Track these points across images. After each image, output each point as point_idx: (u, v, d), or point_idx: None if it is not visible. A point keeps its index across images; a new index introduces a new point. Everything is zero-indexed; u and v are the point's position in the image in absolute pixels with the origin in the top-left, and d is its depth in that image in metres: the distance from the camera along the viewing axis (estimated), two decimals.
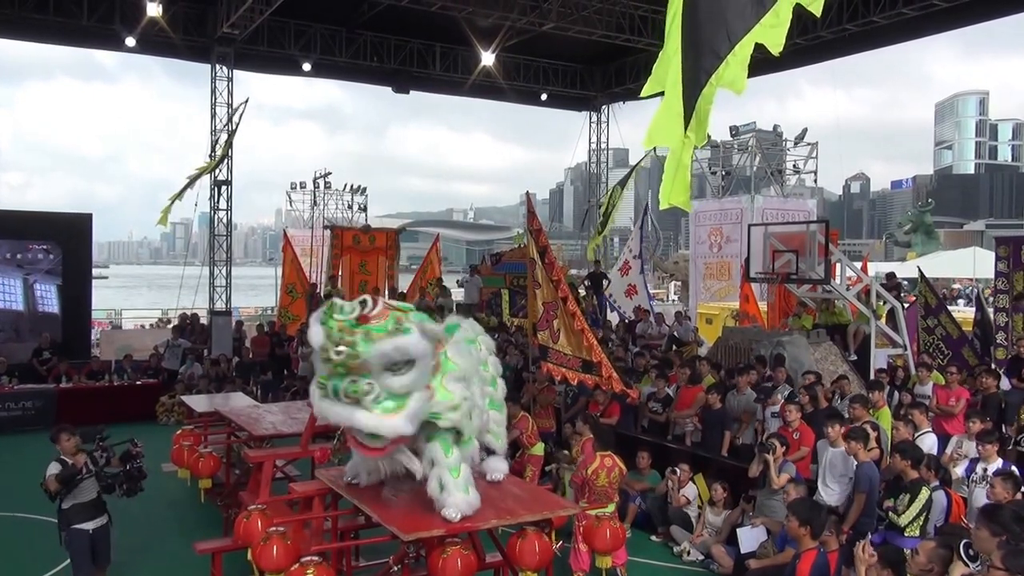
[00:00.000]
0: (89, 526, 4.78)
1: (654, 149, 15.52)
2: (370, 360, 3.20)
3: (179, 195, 13.14)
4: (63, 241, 12.80)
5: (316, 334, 3.28)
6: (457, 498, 3.55)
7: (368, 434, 3.35)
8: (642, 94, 3.19)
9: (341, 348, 3.19)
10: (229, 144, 13.86)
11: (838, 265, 9.30)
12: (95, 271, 16.78)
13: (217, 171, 14.41)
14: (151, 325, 18.42)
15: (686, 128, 2.98)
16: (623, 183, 14.87)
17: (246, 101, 13.75)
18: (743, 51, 2.95)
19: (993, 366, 8.48)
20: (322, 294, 14.40)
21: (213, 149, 14.47)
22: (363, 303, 3.30)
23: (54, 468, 4.72)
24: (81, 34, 13.68)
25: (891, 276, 11.72)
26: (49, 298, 12.80)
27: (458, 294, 15.32)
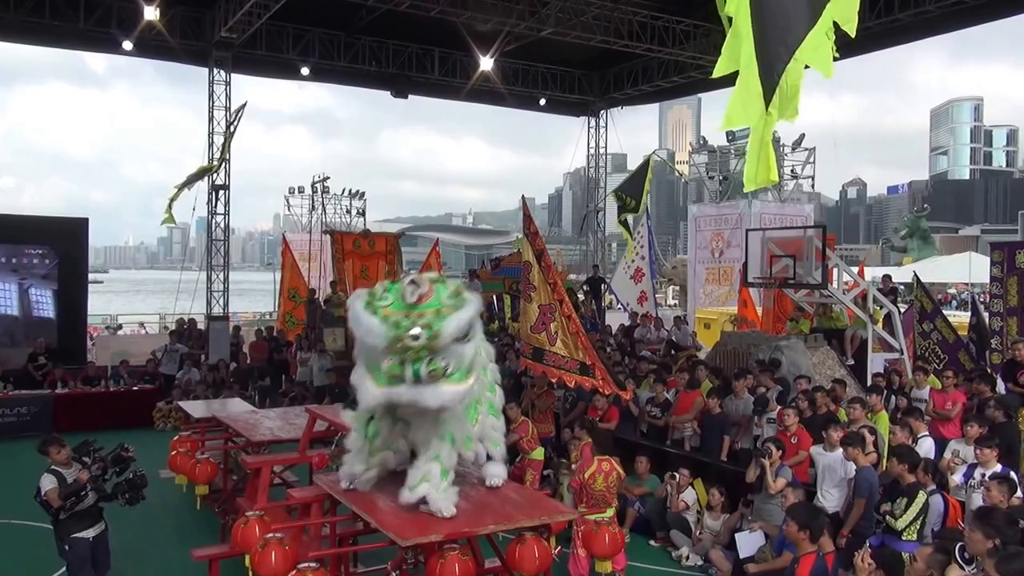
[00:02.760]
0: (89, 534, 4.76)
1: (652, 153, 15.61)
2: (446, 335, 3.19)
3: (177, 195, 13.17)
4: (59, 245, 12.75)
5: (377, 324, 3.20)
6: (446, 498, 3.58)
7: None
8: (715, 74, 3.21)
9: (418, 331, 3.15)
10: (227, 147, 13.84)
11: (835, 270, 9.33)
12: (91, 276, 16.72)
13: (214, 175, 14.40)
14: (139, 326, 18.33)
15: (767, 105, 2.99)
16: (638, 195, 14.44)
17: (244, 104, 13.76)
18: (817, 37, 2.99)
19: (988, 370, 8.51)
20: (321, 300, 14.40)
21: (212, 152, 14.45)
22: (414, 283, 3.28)
23: (50, 482, 4.64)
24: (78, 37, 13.67)
25: (887, 278, 11.75)
26: (45, 303, 12.75)
27: None
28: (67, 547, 4.73)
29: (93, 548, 4.79)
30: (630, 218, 14.53)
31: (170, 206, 13.17)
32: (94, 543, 4.79)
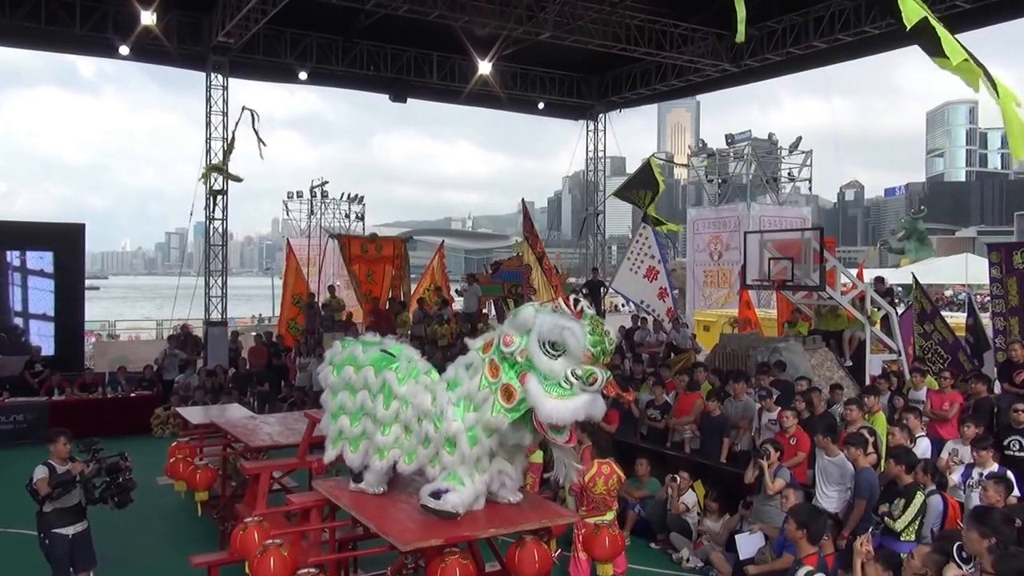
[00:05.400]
0: (69, 531, 4.90)
1: (652, 156, 15.61)
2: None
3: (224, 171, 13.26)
4: (55, 251, 12.71)
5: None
6: (462, 495, 3.55)
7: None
8: (952, 62, 3.37)
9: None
10: (228, 155, 13.76)
11: (835, 271, 9.36)
12: (88, 282, 16.69)
13: (213, 180, 14.37)
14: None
15: (995, 90, 3.25)
16: (654, 188, 14.31)
17: (243, 109, 13.68)
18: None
19: (992, 370, 8.52)
20: (320, 304, 14.38)
21: (210, 158, 14.43)
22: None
23: (42, 472, 4.82)
24: (74, 42, 13.65)
25: (880, 280, 11.74)
26: (42, 309, 12.71)
27: (457, 303, 15.29)
28: (47, 541, 4.87)
29: (73, 545, 4.92)
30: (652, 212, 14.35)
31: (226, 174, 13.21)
32: (74, 540, 4.92)
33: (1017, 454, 5.83)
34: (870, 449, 5.61)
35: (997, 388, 7.67)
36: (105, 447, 5.18)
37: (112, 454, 5.12)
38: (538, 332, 3.37)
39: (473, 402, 3.54)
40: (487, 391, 3.48)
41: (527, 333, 3.42)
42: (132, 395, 11.73)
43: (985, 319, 10.46)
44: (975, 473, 5.32)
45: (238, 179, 13.82)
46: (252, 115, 13.40)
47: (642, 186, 14.19)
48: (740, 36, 3.71)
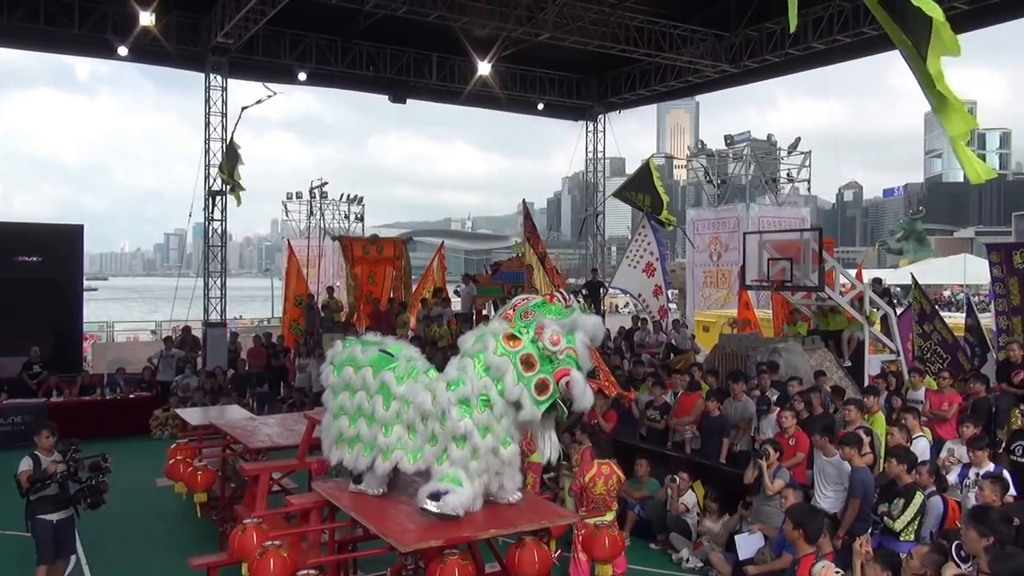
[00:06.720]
0: (53, 517, 5.21)
1: (651, 157, 15.61)
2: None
3: (230, 179, 13.19)
4: (54, 252, 12.69)
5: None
6: (461, 496, 3.55)
7: None
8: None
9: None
10: (228, 162, 13.70)
11: (834, 272, 9.35)
12: (86, 283, 16.65)
13: (212, 181, 14.37)
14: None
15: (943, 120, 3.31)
16: (652, 192, 14.30)
17: (252, 105, 13.57)
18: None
19: (993, 370, 8.53)
20: (319, 305, 14.37)
21: (209, 159, 14.42)
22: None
23: (26, 464, 5.12)
24: (72, 43, 13.64)
25: (878, 281, 11.74)
26: (40, 311, 12.66)
27: (456, 304, 15.28)
28: (32, 525, 5.20)
29: (57, 531, 5.22)
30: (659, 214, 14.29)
31: (235, 186, 13.13)
32: (57, 526, 5.23)
33: (1021, 459, 5.82)
34: (865, 449, 5.61)
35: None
36: (93, 449, 5.37)
37: (92, 455, 5.29)
38: (584, 333, 3.74)
39: (491, 368, 3.67)
40: (505, 359, 3.65)
41: (572, 332, 3.72)
42: (131, 396, 11.71)
43: (985, 319, 10.48)
44: (971, 473, 5.33)
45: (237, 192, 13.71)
46: (257, 103, 13.33)
47: (639, 188, 14.18)
48: (792, 23, 3.83)
